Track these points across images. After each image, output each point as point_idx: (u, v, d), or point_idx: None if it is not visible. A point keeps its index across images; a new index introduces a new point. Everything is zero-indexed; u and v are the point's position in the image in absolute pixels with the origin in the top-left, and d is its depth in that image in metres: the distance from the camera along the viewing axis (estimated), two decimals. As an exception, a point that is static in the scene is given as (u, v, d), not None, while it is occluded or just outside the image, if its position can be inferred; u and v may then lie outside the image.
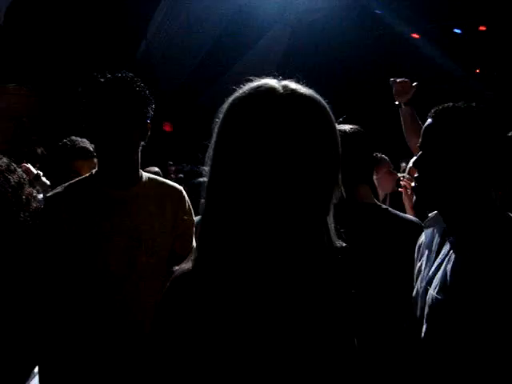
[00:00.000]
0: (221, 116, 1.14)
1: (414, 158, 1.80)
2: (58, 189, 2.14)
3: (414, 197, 1.74)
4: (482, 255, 1.54)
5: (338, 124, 1.83)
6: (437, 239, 1.77)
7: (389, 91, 3.00)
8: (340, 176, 1.13)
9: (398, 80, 2.95)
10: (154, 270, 2.09)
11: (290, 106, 1.08)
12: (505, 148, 1.73)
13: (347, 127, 2.15)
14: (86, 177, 2.18)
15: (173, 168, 9.39)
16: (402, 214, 2.19)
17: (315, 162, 1.07)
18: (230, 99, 1.15)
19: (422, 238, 1.88)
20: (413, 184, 1.74)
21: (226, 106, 1.15)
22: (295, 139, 1.05)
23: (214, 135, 1.14)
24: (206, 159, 1.17)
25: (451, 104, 1.70)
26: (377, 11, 11.81)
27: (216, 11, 11.23)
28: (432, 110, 1.73)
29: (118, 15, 10.15)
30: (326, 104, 1.13)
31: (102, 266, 2.02)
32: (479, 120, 1.64)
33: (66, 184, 2.16)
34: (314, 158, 1.06)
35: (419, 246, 1.88)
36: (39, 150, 6.94)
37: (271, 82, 1.14)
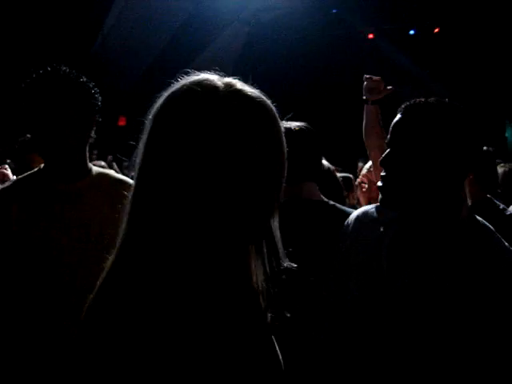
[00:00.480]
0: (154, 111, 1.02)
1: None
2: (6, 184, 2.09)
3: (380, 195, 1.64)
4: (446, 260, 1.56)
5: (286, 121, 1.78)
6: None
7: (347, 90, 2.99)
8: (284, 179, 1.03)
9: (373, 78, 2.90)
10: (103, 265, 2.04)
11: (233, 107, 0.97)
12: (477, 140, 1.62)
13: (294, 124, 2.16)
14: (35, 171, 2.14)
15: (125, 163, 9.22)
16: (349, 209, 2.19)
17: (254, 169, 0.96)
18: (166, 94, 1.03)
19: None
20: (379, 183, 1.64)
21: (160, 100, 1.03)
22: (237, 143, 0.95)
23: (145, 133, 1.02)
24: (134, 157, 1.04)
25: (422, 99, 1.62)
26: (334, 10, 11.92)
27: (175, 6, 11.12)
28: (402, 106, 1.64)
29: (74, 6, 9.90)
30: (272, 107, 1.02)
31: (51, 261, 1.98)
32: (451, 115, 1.58)
33: (15, 179, 2.12)
34: (253, 165, 0.96)
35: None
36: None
37: (212, 77, 1.03)
